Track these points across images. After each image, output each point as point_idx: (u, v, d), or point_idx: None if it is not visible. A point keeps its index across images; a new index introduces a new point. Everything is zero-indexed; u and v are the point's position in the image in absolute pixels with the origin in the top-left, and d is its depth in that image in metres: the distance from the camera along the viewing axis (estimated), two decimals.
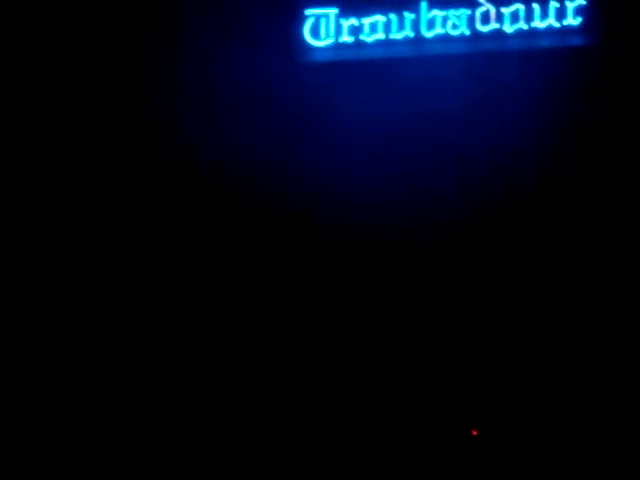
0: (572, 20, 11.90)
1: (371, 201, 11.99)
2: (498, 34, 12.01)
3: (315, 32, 12.23)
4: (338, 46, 12.23)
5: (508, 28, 11.99)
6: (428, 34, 12.10)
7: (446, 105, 12.05)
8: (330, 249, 11.90)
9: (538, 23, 11.95)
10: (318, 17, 12.22)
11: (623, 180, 11.61)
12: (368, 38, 12.18)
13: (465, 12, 12.03)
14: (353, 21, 12.19)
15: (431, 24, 12.07)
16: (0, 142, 12.10)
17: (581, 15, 11.88)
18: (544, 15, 11.94)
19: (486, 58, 12.02)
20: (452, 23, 12.04)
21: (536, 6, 11.95)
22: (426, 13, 12.06)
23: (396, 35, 12.14)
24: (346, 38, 12.21)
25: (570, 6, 11.89)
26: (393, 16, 12.12)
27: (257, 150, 12.19)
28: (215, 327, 11.76)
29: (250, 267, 11.86)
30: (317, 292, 11.81)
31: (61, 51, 12.12)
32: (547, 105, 11.90)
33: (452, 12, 12.04)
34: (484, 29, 12.02)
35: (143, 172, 12.11)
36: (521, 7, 11.96)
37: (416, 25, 12.09)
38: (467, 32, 12.05)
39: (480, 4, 11.99)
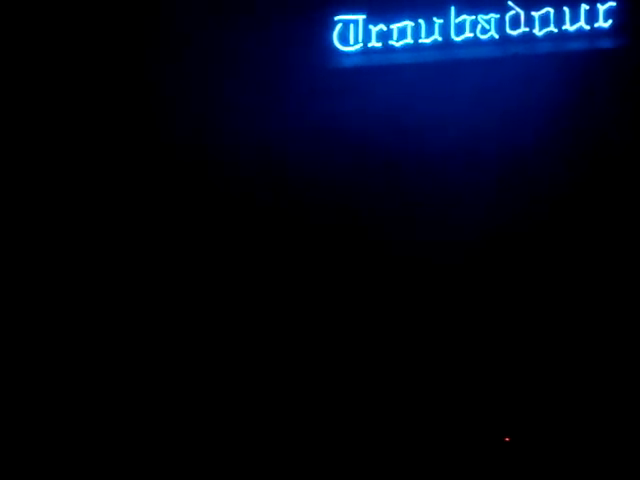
0: (602, 23, 11.78)
1: (399, 205, 12.00)
2: (528, 37, 11.94)
3: (344, 38, 12.29)
4: (367, 51, 12.27)
5: (538, 31, 11.90)
6: (457, 38, 12.07)
7: (476, 109, 12.01)
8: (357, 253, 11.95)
9: (568, 26, 11.86)
10: (347, 23, 12.28)
11: None
12: (397, 43, 12.19)
13: (494, 16, 11.99)
14: (382, 26, 12.21)
15: (460, 28, 12.05)
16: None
17: (612, 17, 11.76)
18: (574, 18, 11.84)
19: (516, 62, 11.93)
20: (481, 27, 12.00)
21: (566, 9, 11.85)
22: (455, 17, 12.04)
23: (425, 40, 12.13)
24: (375, 43, 12.25)
25: (601, 8, 11.77)
26: (422, 21, 12.12)
27: (287, 155, 12.26)
28: (216, 324, 11.79)
29: (271, 276, 11.91)
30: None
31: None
32: (578, 108, 11.81)
33: (481, 16, 12.01)
34: (514, 33, 11.95)
35: (169, 176, 12.23)
36: (551, 10, 11.88)
37: (445, 30, 12.08)
38: (496, 36, 11.99)
39: (510, 8, 11.93)
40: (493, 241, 11.62)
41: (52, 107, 12.33)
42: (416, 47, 12.16)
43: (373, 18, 12.23)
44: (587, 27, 11.85)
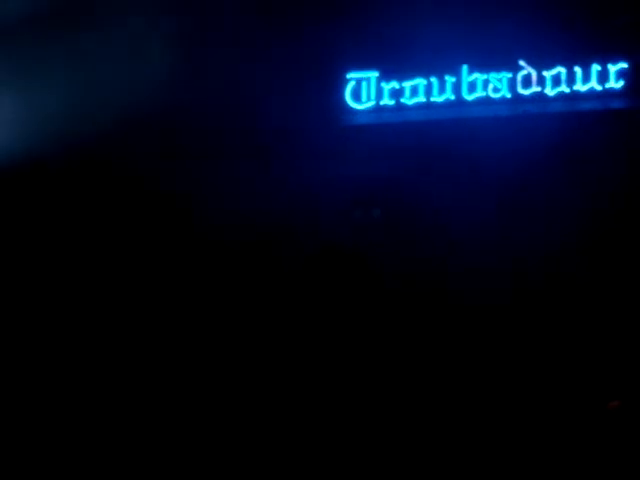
0: (614, 83, 11.86)
1: (409, 264, 11.96)
2: (540, 97, 12.05)
3: (356, 95, 12.42)
4: (379, 109, 12.40)
5: (550, 91, 12.01)
6: (469, 97, 12.17)
7: (488, 167, 12.03)
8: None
9: (580, 86, 11.95)
10: (359, 80, 12.42)
11: None
12: (409, 101, 12.31)
13: (506, 75, 12.11)
14: (394, 84, 12.36)
15: (472, 87, 12.18)
16: None
17: (623, 78, 11.84)
18: (586, 78, 11.94)
19: (528, 121, 11.99)
20: (493, 86, 12.10)
21: (578, 69, 11.97)
22: (467, 76, 12.17)
23: (437, 98, 12.24)
24: (387, 101, 12.37)
25: (612, 69, 11.88)
26: (434, 79, 12.26)
27: (297, 213, 12.28)
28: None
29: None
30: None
31: None
32: (589, 168, 11.82)
33: (493, 75, 12.13)
34: (525, 92, 12.06)
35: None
36: (563, 70, 12.00)
37: (457, 88, 12.21)
38: (508, 95, 12.09)
39: (521, 67, 12.04)
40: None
41: None
42: (428, 105, 12.26)
43: (385, 76, 12.39)
44: (599, 87, 11.89)
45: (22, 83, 12.02)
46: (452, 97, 12.21)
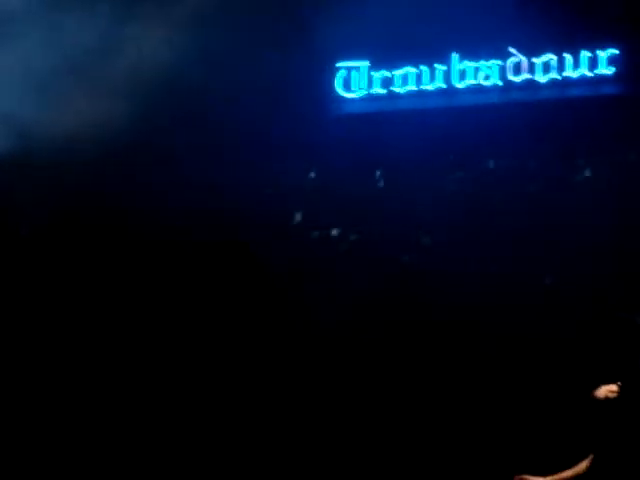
0: (605, 70, 11.86)
1: (401, 250, 12.00)
2: (530, 84, 12.03)
3: (347, 84, 12.42)
4: (370, 98, 12.41)
5: (540, 78, 11.99)
6: (460, 85, 12.18)
7: (479, 155, 12.10)
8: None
9: (570, 73, 11.94)
10: (350, 69, 12.42)
11: None
12: (400, 89, 12.31)
13: (496, 63, 12.10)
14: (385, 73, 12.37)
15: (462, 75, 12.18)
16: None
17: (614, 64, 11.81)
18: (576, 65, 11.93)
19: (519, 108, 12.01)
20: (484, 74, 12.11)
21: (568, 56, 11.94)
22: (457, 64, 12.17)
23: (428, 86, 12.25)
24: (378, 90, 12.38)
25: (602, 55, 11.84)
26: (424, 68, 12.26)
27: (289, 205, 12.32)
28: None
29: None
30: None
31: None
32: (581, 154, 11.87)
33: (483, 63, 12.13)
34: (516, 79, 12.05)
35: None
36: (553, 57, 11.98)
37: (447, 76, 12.21)
38: (499, 82, 12.09)
39: (512, 54, 12.03)
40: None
41: None
42: (419, 94, 12.28)
43: (376, 64, 12.39)
44: (589, 74, 11.90)
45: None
46: (443, 85, 12.20)
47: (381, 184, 12.36)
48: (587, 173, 11.93)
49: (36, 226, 12.39)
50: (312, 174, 12.50)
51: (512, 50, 12.07)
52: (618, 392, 7.90)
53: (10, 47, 11.60)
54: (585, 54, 11.92)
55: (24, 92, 11.51)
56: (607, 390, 8.21)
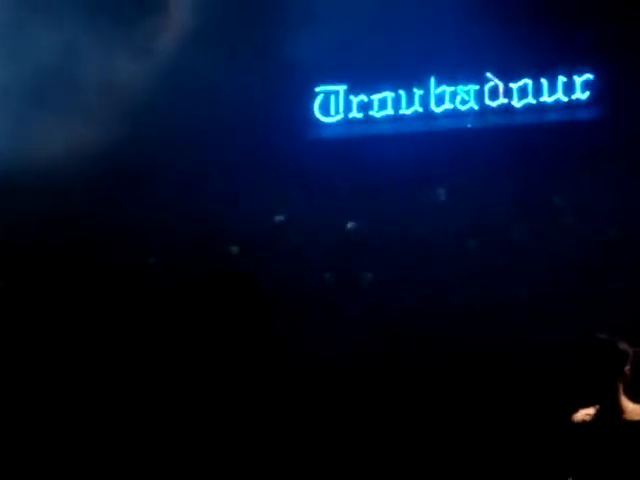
0: (580, 94, 12.13)
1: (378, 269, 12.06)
2: (507, 109, 12.31)
3: (325, 108, 12.65)
4: (348, 122, 12.66)
5: (517, 103, 12.26)
6: (437, 109, 12.41)
7: (457, 177, 12.24)
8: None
9: (546, 97, 12.21)
10: (328, 93, 12.68)
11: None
12: (378, 114, 12.56)
13: (473, 87, 12.40)
14: (363, 97, 12.62)
15: (440, 99, 12.42)
16: None
17: (589, 89, 12.11)
18: (552, 90, 12.21)
19: (495, 134, 12.21)
20: (461, 98, 12.34)
21: (544, 81, 12.26)
22: (435, 88, 12.42)
23: (405, 111, 12.49)
24: (355, 114, 12.62)
25: (578, 80, 12.15)
26: (402, 92, 12.53)
27: (272, 229, 12.42)
28: None
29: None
30: None
31: None
32: (556, 177, 12.03)
33: (461, 87, 12.38)
34: (493, 104, 12.31)
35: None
36: (529, 82, 12.29)
37: (425, 100, 12.47)
38: (475, 107, 12.33)
39: (489, 79, 12.27)
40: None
41: None
42: (397, 118, 12.56)
43: (354, 89, 12.64)
44: (565, 99, 12.16)
45: None
46: (420, 109, 12.40)
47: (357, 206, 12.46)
48: (561, 196, 12.09)
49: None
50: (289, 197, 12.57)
51: (489, 75, 12.32)
52: (595, 416, 8.29)
53: None
54: (562, 79, 12.20)
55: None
56: (585, 414, 8.43)
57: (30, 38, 11.99)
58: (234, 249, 11.94)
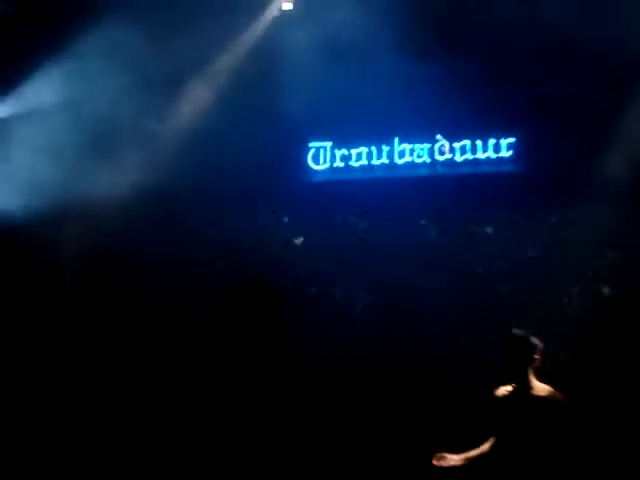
0: (505, 152, 14.52)
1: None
2: (451, 162, 14.62)
3: (315, 159, 15.20)
4: (333, 170, 15.10)
5: (458, 158, 14.64)
6: (399, 161, 14.86)
7: (414, 216, 14.63)
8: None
9: (480, 154, 14.55)
10: (318, 148, 15.24)
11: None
12: (355, 164, 15.02)
13: (427, 145, 14.76)
14: (344, 151, 15.12)
15: (402, 154, 14.84)
16: None
17: (512, 149, 14.46)
18: (485, 148, 14.59)
19: (442, 181, 14.61)
20: (417, 153, 14.79)
21: (479, 142, 14.60)
22: (398, 146, 14.91)
23: (376, 162, 14.93)
24: (338, 164, 15.11)
25: (503, 142, 14.53)
26: (374, 148, 14.91)
27: (264, 259, 14.12)
28: None
29: None
30: None
31: None
32: (487, 220, 14.29)
33: (417, 145, 14.82)
34: (441, 158, 14.68)
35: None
36: (468, 142, 14.63)
37: (391, 154, 14.72)
38: (428, 160, 14.54)
39: (437, 140, 14.74)
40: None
41: None
42: (369, 167, 14.90)
43: (337, 145, 15.12)
44: (494, 156, 14.54)
45: None
46: (387, 161, 14.87)
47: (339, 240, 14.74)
48: (491, 235, 13.79)
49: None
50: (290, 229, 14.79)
51: (438, 136, 14.66)
52: (511, 391, 9.20)
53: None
54: (492, 141, 14.60)
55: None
56: (504, 390, 9.31)
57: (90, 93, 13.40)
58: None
